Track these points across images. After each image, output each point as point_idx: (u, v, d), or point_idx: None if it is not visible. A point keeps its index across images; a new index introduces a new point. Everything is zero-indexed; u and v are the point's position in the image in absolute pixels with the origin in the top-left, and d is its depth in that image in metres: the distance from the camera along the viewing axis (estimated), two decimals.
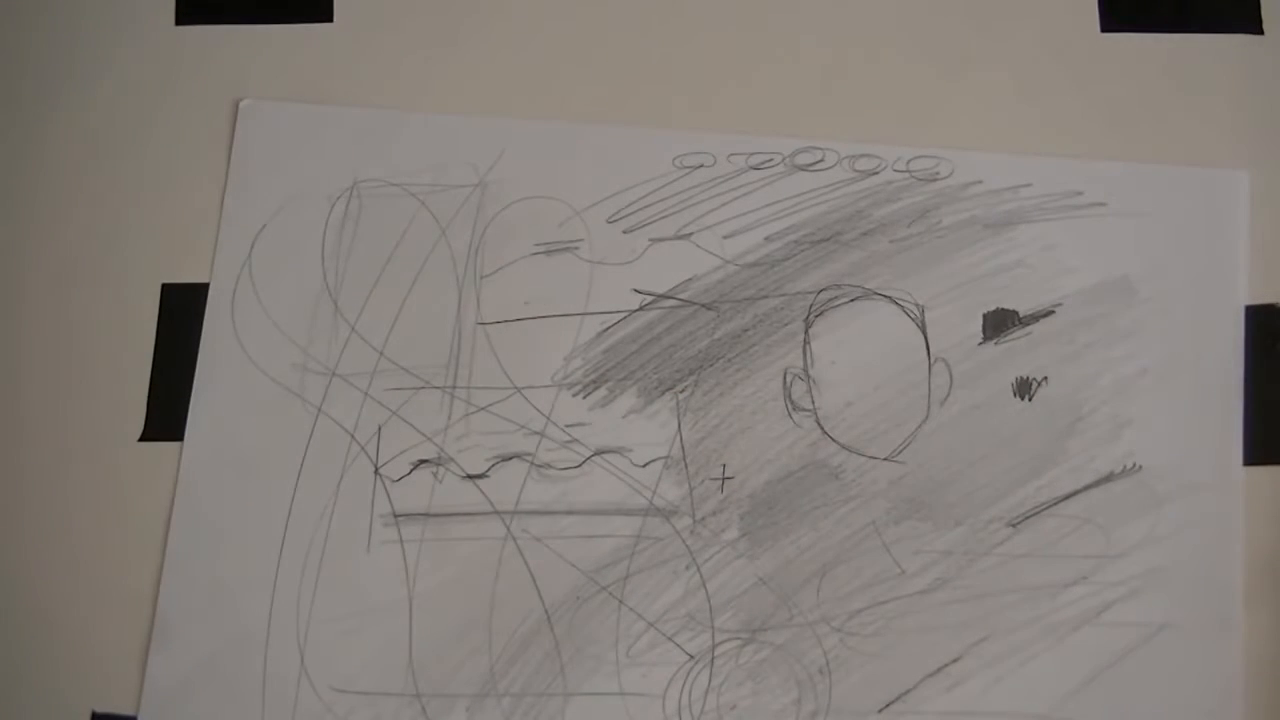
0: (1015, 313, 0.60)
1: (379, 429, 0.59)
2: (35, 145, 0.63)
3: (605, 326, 0.60)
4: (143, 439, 0.60)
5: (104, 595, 0.59)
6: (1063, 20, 0.63)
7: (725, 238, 0.61)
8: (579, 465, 0.59)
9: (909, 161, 0.61)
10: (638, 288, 0.60)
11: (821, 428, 0.59)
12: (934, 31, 0.63)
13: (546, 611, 0.58)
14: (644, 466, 0.59)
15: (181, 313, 0.61)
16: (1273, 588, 0.57)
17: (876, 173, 0.61)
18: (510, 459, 0.59)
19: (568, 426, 0.59)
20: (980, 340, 0.60)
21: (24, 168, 0.63)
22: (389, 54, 0.63)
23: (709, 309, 0.60)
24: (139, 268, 0.62)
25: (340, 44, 0.64)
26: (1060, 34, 0.63)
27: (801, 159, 0.61)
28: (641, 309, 0.60)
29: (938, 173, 0.61)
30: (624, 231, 0.61)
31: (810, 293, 0.60)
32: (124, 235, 0.62)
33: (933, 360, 0.59)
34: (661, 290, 0.60)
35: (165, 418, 0.60)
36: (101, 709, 0.58)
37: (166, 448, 0.60)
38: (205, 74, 0.63)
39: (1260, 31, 0.63)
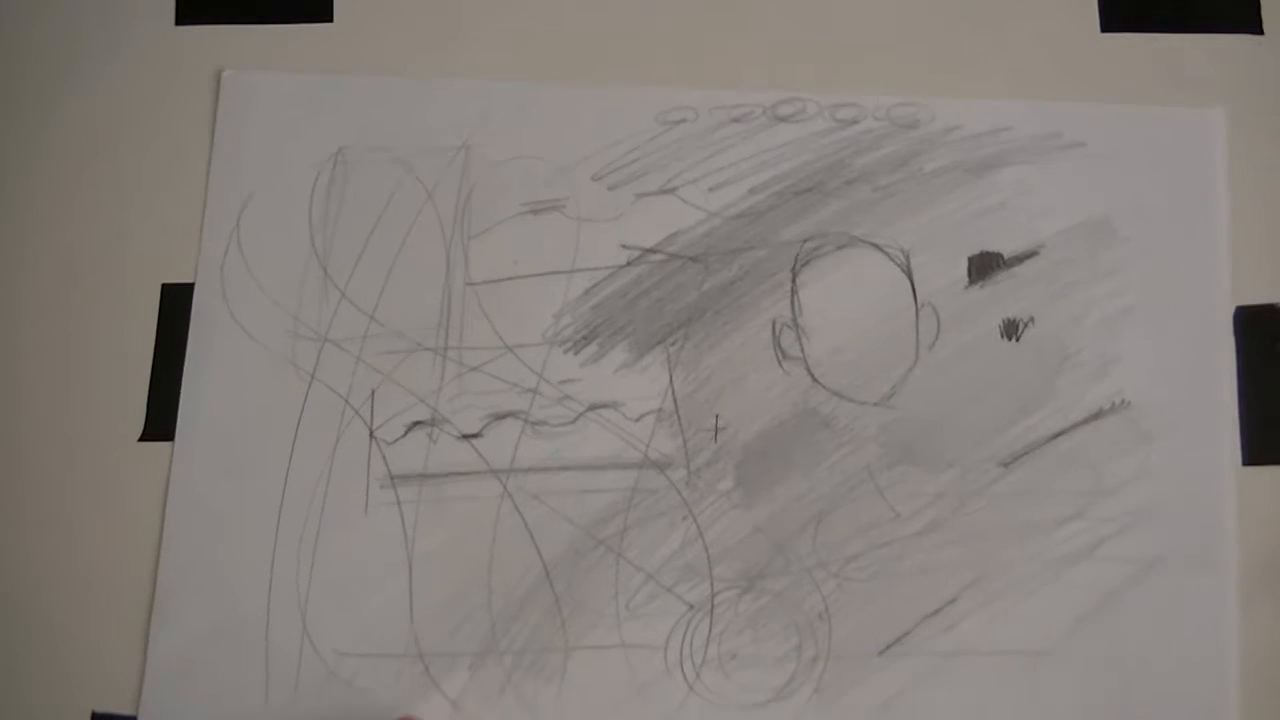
0: (1000, 255, 0.60)
1: (372, 392, 0.59)
2: (35, 145, 0.63)
3: (594, 283, 0.60)
4: (143, 439, 0.60)
5: (104, 596, 0.58)
6: (1063, 20, 0.63)
7: (710, 191, 0.61)
8: (573, 421, 0.59)
9: (889, 109, 0.61)
10: (625, 243, 0.61)
11: (812, 375, 0.59)
12: (933, 31, 0.63)
13: (545, 568, 0.58)
14: (637, 420, 0.59)
15: (181, 312, 0.61)
16: (1272, 586, 0.58)
17: (857, 121, 0.61)
18: (504, 417, 0.59)
19: (560, 383, 0.59)
20: (966, 284, 0.60)
21: (24, 168, 0.63)
22: (389, 54, 0.63)
23: (696, 262, 0.60)
24: (139, 268, 0.61)
25: (340, 44, 0.64)
26: (1060, 34, 0.63)
27: (782, 110, 0.62)
28: (629, 264, 0.60)
29: (918, 119, 0.61)
30: (609, 188, 0.61)
31: (796, 242, 0.60)
32: (124, 235, 0.62)
33: (920, 305, 0.60)
34: (648, 245, 0.61)
35: (165, 418, 0.60)
36: (101, 709, 0.58)
37: (166, 448, 0.60)
38: (205, 74, 0.63)
39: (1260, 31, 0.63)
